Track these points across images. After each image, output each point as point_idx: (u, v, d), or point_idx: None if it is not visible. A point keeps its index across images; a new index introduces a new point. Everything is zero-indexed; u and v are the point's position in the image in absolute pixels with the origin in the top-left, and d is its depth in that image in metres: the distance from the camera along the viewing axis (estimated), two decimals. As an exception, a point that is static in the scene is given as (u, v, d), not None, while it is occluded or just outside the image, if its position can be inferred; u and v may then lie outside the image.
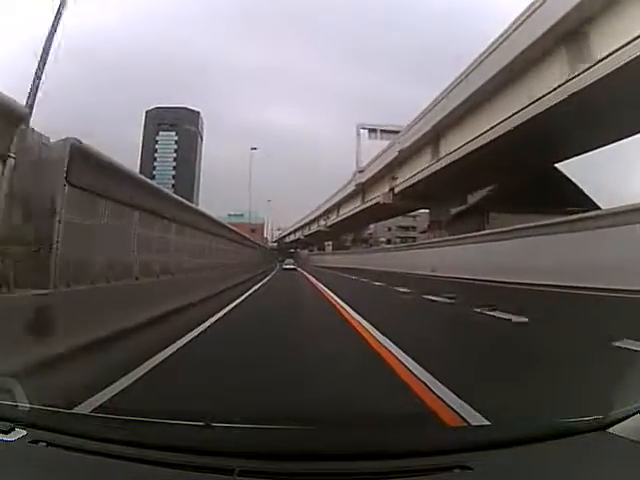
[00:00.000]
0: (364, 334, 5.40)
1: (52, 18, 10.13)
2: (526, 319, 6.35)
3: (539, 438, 1.10)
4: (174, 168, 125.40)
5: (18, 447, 1.08)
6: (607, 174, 47.12)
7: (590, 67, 13.45)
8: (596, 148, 23.03)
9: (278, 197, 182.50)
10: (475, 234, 21.17)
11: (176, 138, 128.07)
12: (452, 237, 24.55)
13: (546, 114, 15.95)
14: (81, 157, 4.34)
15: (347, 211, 44.04)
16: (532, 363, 3.72)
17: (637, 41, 11.60)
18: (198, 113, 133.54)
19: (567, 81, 14.72)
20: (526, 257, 14.74)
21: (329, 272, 32.44)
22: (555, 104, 15.27)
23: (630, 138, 19.84)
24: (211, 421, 1.19)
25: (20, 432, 1.12)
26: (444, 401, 2.65)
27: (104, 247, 5.23)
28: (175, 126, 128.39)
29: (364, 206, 37.47)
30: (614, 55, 12.34)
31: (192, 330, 5.46)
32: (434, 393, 2.84)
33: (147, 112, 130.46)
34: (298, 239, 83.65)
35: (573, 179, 36.61)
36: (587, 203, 32.05)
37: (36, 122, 4.52)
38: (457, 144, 22.58)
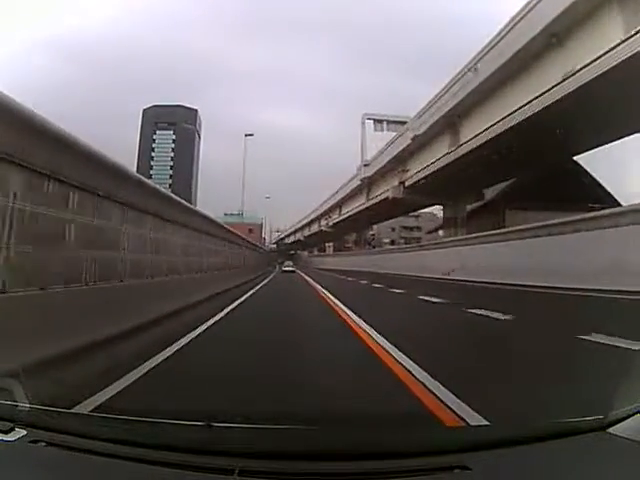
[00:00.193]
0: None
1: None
2: None
3: (539, 438, 1.08)
4: (171, 167, 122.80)
5: (18, 447, 1.07)
6: (628, 169, 44.48)
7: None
8: (624, 137, 20.21)
9: (277, 198, 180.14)
10: (511, 229, 18.08)
11: (174, 137, 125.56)
12: (474, 235, 21.64)
13: (580, 92, 13.25)
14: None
15: (350, 209, 40.99)
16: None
17: None
18: (196, 111, 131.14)
19: (623, 42, 11.83)
20: (574, 256, 11.92)
21: (333, 276, 29.50)
22: (597, 76, 12.45)
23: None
24: (211, 421, 1.16)
25: (20, 432, 1.11)
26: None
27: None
28: (173, 124, 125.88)
29: (369, 203, 34.42)
30: None
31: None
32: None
33: (144, 110, 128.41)
34: (298, 240, 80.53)
35: (593, 174, 33.98)
36: (608, 199, 29.62)
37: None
38: (480, 128, 19.61)
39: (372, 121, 35.79)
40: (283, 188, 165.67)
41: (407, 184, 27.09)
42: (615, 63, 12.04)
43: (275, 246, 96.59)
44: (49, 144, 3.84)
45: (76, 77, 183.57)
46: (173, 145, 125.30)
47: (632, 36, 11.61)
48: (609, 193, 32.95)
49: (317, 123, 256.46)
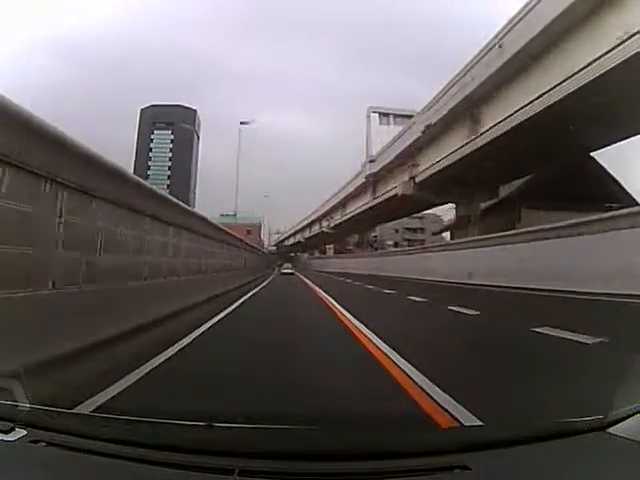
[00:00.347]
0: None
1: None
2: None
3: (539, 438, 1.08)
4: (169, 168, 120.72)
5: (18, 447, 1.07)
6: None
7: None
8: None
9: (277, 200, 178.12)
10: (547, 226, 15.85)
11: (172, 137, 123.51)
12: (491, 236, 19.50)
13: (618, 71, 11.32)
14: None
15: (354, 209, 38.80)
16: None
17: None
18: (195, 111, 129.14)
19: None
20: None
21: (335, 280, 27.31)
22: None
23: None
24: (211, 421, 1.16)
25: (20, 432, 1.11)
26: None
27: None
28: (171, 124, 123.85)
29: (375, 202, 32.25)
30: None
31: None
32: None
33: (142, 110, 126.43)
34: (298, 242, 78.30)
35: (611, 172, 32.05)
36: (626, 199, 27.61)
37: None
38: (502, 114, 17.55)
39: (377, 115, 33.65)
40: (283, 190, 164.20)
41: (418, 180, 24.95)
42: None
43: (275, 248, 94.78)
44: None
45: (74, 77, 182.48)
46: (171, 145, 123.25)
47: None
48: (627, 192, 30.96)
49: (317, 124, 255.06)
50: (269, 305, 11.29)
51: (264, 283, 20.08)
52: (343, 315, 7.68)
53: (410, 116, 29.27)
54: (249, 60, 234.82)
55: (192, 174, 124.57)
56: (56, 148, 3.81)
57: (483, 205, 27.67)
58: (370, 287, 17.75)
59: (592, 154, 27.85)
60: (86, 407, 2.38)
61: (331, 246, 70.44)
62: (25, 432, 1.10)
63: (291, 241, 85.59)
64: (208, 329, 5.89)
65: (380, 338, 4.92)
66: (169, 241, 7.96)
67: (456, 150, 21.13)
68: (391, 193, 27.98)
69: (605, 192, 27.61)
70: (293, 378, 3.36)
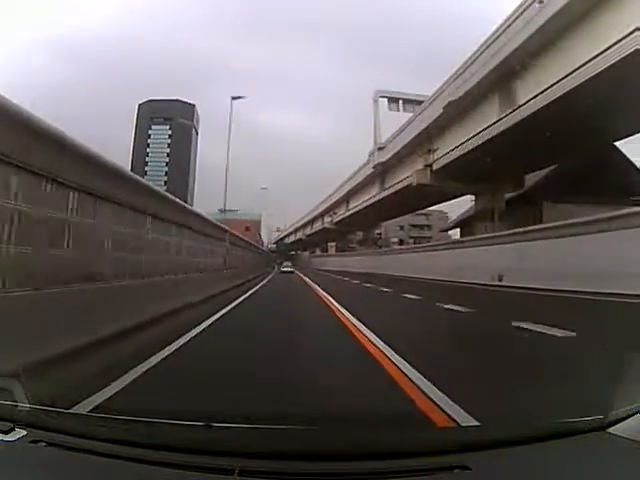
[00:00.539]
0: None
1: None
2: None
3: (539, 438, 1.08)
4: (167, 164, 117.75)
5: (18, 447, 1.08)
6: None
7: None
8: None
9: (277, 198, 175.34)
10: (588, 219, 13.07)
11: (170, 132, 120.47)
12: (534, 228, 16.67)
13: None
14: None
15: (360, 203, 35.76)
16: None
17: None
18: (193, 106, 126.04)
19: None
20: None
21: (339, 280, 24.46)
22: None
23: None
24: (211, 421, 1.16)
25: (20, 432, 1.11)
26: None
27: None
28: (169, 119, 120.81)
29: (384, 194, 29.23)
30: None
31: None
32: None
33: (140, 105, 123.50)
34: (299, 240, 75.24)
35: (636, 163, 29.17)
36: None
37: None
38: (547, 80, 14.54)
39: (386, 99, 30.57)
40: (283, 188, 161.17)
41: (435, 167, 21.95)
42: None
43: (275, 246, 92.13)
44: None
45: (74, 75, 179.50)
46: (169, 141, 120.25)
47: None
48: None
49: (318, 122, 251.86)
50: (267, 303, 11.34)
51: (262, 282, 18.80)
52: (344, 318, 7.40)
53: (420, 102, 26.31)
54: (249, 58, 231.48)
55: (190, 170, 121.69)
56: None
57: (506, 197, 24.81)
58: (387, 290, 15.11)
59: (616, 144, 25.38)
60: (88, 405, 2.47)
61: (333, 244, 67.40)
62: (25, 432, 1.10)
63: (292, 239, 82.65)
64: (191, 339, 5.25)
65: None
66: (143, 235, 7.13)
67: (483, 130, 18.18)
68: (403, 183, 24.96)
69: (629, 184, 25.05)
70: (290, 377, 3.46)
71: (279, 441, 1.13)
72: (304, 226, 68.11)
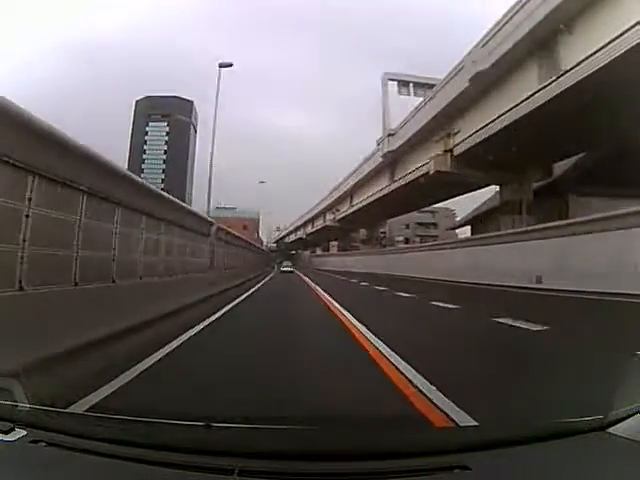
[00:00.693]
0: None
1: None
2: None
3: (539, 438, 1.08)
4: (164, 162, 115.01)
5: (18, 447, 1.07)
6: None
7: None
8: None
9: (277, 198, 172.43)
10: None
11: (167, 129, 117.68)
12: (580, 220, 14.00)
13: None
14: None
15: (365, 198, 32.94)
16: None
17: None
18: (191, 102, 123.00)
19: None
20: None
21: (345, 282, 21.83)
22: None
23: None
24: (211, 421, 1.15)
25: (20, 432, 1.10)
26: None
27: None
28: (166, 116, 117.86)
29: (394, 186, 26.41)
30: None
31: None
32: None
33: (137, 102, 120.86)
34: (299, 239, 72.35)
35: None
36: None
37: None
38: (602, 38, 11.82)
39: (396, 83, 27.78)
40: (284, 187, 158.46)
41: (457, 152, 19.17)
42: None
43: (275, 245, 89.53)
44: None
45: (76, 76, 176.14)
46: (167, 138, 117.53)
47: None
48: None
49: (319, 121, 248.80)
50: (268, 303, 11.16)
51: (261, 283, 17.79)
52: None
53: (434, 85, 23.54)
54: (250, 57, 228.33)
55: (189, 167, 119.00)
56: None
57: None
58: (400, 294, 12.33)
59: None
60: (89, 402, 2.50)
61: (335, 243, 64.57)
62: (25, 432, 1.10)
63: (292, 238, 79.84)
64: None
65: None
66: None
67: (516, 106, 15.42)
68: (418, 172, 22.17)
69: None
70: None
71: (279, 441, 1.13)
72: (305, 224, 65.27)
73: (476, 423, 2.15)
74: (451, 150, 19.39)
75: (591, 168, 21.36)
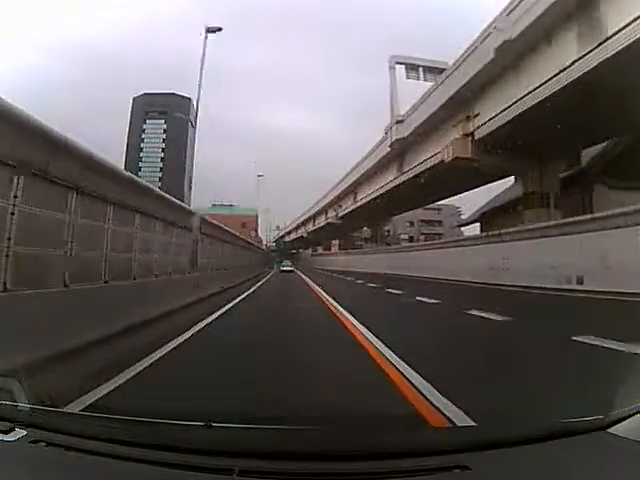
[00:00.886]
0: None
1: None
2: None
3: (539, 438, 1.07)
4: (162, 159, 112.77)
5: (18, 447, 1.06)
6: None
7: None
8: None
9: (276, 198, 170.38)
10: None
11: (165, 127, 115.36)
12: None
13: None
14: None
15: (371, 192, 30.71)
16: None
17: None
18: (189, 99, 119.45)
19: None
20: None
21: (355, 284, 19.74)
22: None
23: None
24: (211, 421, 1.13)
25: (20, 432, 1.10)
26: None
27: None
28: (164, 114, 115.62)
29: (404, 178, 24.20)
30: None
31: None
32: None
33: (134, 99, 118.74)
34: (300, 237, 70.08)
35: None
36: None
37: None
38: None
39: (404, 67, 25.59)
40: (283, 186, 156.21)
41: (478, 136, 16.98)
42: None
43: (275, 245, 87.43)
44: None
45: (76, 75, 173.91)
46: (164, 135, 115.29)
47: None
48: None
49: (319, 120, 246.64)
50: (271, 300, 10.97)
51: (257, 285, 16.66)
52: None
53: (443, 70, 21.37)
54: (248, 55, 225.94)
55: (187, 165, 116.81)
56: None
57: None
58: (424, 300, 10.26)
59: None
60: (90, 400, 2.52)
61: (337, 242, 62.35)
62: (25, 432, 1.10)
63: (292, 236, 77.60)
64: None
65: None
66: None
67: (549, 80, 13.31)
68: (432, 161, 19.98)
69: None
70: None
71: (279, 441, 1.12)
72: (306, 222, 63.02)
73: (476, 423, 2.09)
74: (472, 134, 17.20)
75: (620, 156, 19.29)
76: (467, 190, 26.60)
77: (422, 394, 2.92)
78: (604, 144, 20.35)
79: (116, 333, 4.71)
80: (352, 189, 36.39)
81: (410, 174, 23.28)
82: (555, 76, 13.06)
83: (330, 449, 1.04)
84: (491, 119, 16.43)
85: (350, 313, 7.62)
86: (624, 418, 1.10)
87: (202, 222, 10.59)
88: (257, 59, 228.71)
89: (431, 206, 52.74)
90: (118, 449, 1.03)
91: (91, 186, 4.79)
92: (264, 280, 23.06)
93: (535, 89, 13.76)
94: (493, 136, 16.44)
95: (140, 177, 7.47)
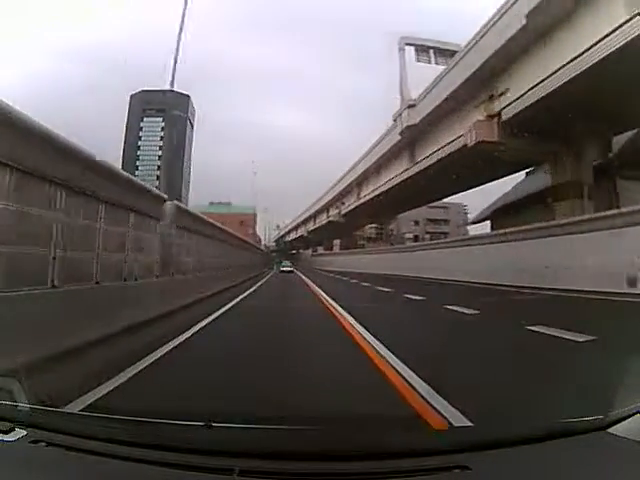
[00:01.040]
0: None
1: None
2: None
3: (539, 438, 1.06)
4: (159, 158, 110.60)
5: (18, 447, 1.06)
6: None
7: None
8: None
9: (276, 197, 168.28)
10: None
11: (163, 124, 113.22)
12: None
13: None
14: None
15: (379, 186, 28.56)
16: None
17: None
18: (188, 97, 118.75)
19: None
20: None
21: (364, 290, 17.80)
22: None
23: None
24: (211, 421, 1.12)
25: (20, 432, 1.09)
26: None
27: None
28: (162, 111, 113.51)
29: (417, 169, 22.07)
30: None
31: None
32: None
33: (131, 96, 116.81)
34: (300, 237, 67.97)
35: None
36: None
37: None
38: None
39: (413, 48, 23.53)
40: (284, 185, 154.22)
41: (506, 116, 14.90)
42: None
43: (274, 244, 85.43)
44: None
45: (76, 76, 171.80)
46: (162, 133, 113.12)
47: None
48: None
49: (319, 120, 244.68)
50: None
51: (251, 289, 14.99)
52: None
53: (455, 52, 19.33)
54: (247, 54, 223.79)
55: (185, 164, 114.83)
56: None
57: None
58: (454, 308, 8.31)
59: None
60: (90, 398, 2.45)
61: (337, 242, 60.25)
62: (25, 432, 1.09)
63: (292, 236, 75.49)
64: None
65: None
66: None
67: (593, 46, 11.29)
68: (450, 148, 17.90)
69: None
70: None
71: (279, 441, 1.12)
72: (306, 221, 60.87)
73: (476, 423, 2.08)
74: (498, 115, 15.13)
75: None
76: (481, 184, 24.54)
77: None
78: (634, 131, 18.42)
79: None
80: (357, 184, 34.29)
81: (423, 164, 21.18)
82: (599, 42, 11.05)
83: (330, 449, 1.04)
84: (521, 97, 14.36)
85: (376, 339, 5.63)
86: (624, 418, 1.09)
87: (179, 213, 8.47)
88: (256, 58, 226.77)
89: (437, 204, 50.69)
90: (118, 449, 1.03)
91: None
92: (263, 281, 21.14)
93: (573, 60, 11.74)
94: (522, 117, 14.39)
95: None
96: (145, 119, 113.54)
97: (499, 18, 13.98)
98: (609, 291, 10.36)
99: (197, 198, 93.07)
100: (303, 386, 3.14)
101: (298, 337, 5.51)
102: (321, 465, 0.99)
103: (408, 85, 21.93)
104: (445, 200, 45.42)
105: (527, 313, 8.05)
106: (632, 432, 1.04)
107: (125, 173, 6.06)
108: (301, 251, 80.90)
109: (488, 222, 34.57)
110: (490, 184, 26.29)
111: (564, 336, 4.95)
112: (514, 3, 12.97)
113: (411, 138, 22.01)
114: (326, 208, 47.47)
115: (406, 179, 23.89)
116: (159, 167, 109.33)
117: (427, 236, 56.08)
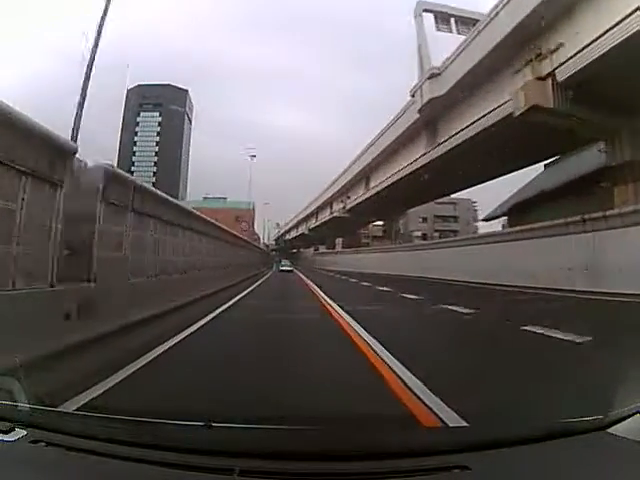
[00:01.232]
0: None
1: None
2: None
3: (538, 438, 1.06)
4: (156, 154, 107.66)
5: (18, 447, 1.05)
6: None
7: None
8: None
9: (276, 196, 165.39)
10: None
11: (160, 119, 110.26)
12: None
13: None
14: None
15: (391, 175, 25.41)
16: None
17: None
18: (186, 92, 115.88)
19: None
20: None
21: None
22: None
23: None
24: (211, 421, 1.12)
25: (20, 432, 1.08)
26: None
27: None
28: (159, 106, 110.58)
29: (440, 150, 18.81)
30: None
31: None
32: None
33: (128, 90, 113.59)
34: (302, 234, 64.75)
35: None
36: None
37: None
38: None
39: (433, 15, 20.44)
40: (283, 184, 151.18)
41: (562, 76, 11.81)
42: None
43: (274, 243, 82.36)
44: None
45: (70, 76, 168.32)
46: (159, 129, 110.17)
47: None
48: None
49: (319, 120, 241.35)
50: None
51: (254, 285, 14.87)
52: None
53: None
54: (247, 53, 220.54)
55: (182, 160, 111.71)
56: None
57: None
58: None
59: None
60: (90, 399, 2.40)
61: (339, 240, 57.11)
62: (25, 432, 1.08)
63: (293, 234, 72.32)
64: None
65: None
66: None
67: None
68: (485, 122, 14.77)
69: None
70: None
71: (279, 441, 1.11)
72: (308, 218, 57.70)
73: (476, 423, 2.01)
74: (551, 75, 12.04)
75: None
76: (511, 171, 21.45)
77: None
78: None
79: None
80: (364, 175, 31.20)
81: (447, 145, 18.08)
82: None
83: (330, 449, 1.04)
84: (580, 51, 11.30)
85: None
86: (624, 418, 1.09)
87: (114, 180, 5.30)
88: (256, 56, 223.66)
89: (446, 200, 47.63)
90: (118, 449, 1.02)
91: None
92: (262, 281, 18.62)
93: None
94: (581, 77, 11.31)
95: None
96: (142, 114, 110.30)
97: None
98: None
99: (194, 195, 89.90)
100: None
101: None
102: (321, 465, 0.99)
103: (429, 52, 18.79)
104: (453, 196, 42.55)
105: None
106: (632, 432, 1.03)
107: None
108: (302, 250, 77.81)
109: (498, 220, 31.93)
110: (494, 180, 23.53)
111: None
112: None
113: (431, 116, 18.91)
114: (329, 203, 44.38)
115: (423, 165, 20.80)
116: (155, 163, 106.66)
117: (435, 234, 53.00)
